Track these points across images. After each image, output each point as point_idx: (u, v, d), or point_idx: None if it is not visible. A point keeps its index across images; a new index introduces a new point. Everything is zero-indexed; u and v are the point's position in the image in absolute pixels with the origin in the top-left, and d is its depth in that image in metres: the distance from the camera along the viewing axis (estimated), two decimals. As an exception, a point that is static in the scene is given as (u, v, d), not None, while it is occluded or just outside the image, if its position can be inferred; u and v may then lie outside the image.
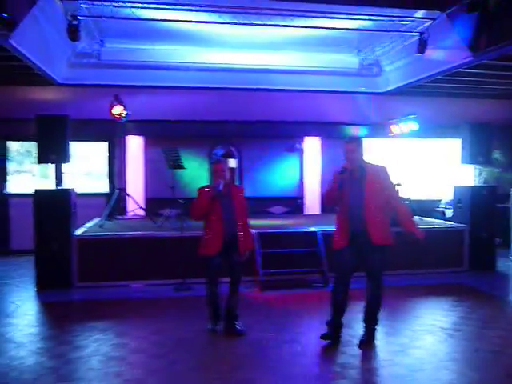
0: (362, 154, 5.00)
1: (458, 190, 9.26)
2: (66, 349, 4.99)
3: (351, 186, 4.87)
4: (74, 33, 7.07)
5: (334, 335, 5.06)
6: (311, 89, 10.81)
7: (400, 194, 9.78)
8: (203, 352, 4.92)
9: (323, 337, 5.04)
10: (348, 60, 10.53)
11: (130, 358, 4.75)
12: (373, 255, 4.90)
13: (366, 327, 5.11)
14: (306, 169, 11.83)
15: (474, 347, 5.01)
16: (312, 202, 11.71)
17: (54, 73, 8.92)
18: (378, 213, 4.89)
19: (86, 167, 11.77)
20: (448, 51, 8.32)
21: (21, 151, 11.52)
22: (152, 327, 5.71)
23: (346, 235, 4.88)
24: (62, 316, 6.31)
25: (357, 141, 5.12)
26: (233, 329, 5.38)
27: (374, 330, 5.10)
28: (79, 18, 7.17)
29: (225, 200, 5.29)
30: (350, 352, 4.89)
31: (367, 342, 5.02)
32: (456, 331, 5.48)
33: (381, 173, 4.96)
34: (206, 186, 5.41)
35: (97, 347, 5.02)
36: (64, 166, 10.24)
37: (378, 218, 4.89)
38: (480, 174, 12.01)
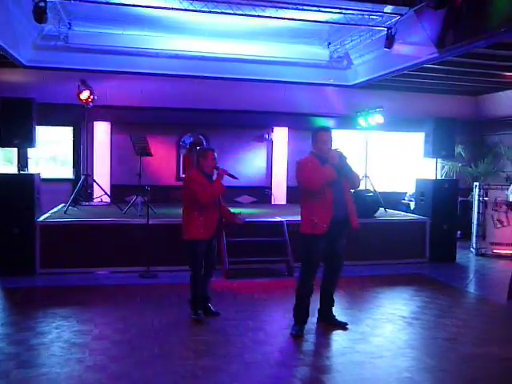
0: (332, 146, 5.10)
1: (421, 183, 9.48)
2: (28, 335, 4.94)
3: None
4: (40, 15, 6.89)
5: (303, 329, 5.13)
6: (281, 79, 10.86)
7: (365, 186, 10.01)
8: (167, 339, 4.94)
9: (296, 337, 5.02)
10: (318, 52, 10.59)
11: (93, 344, 4.73)
12: (341, 240, 5.13)
13: (326, 309, 5.33)
14: (274, 159, 11.90)
15: (432, 335, 5.17)
16: (279, 192, 11.80)
17: (19, 55, 8.71)
18: (352, 198, 5.12)
19: (51, 152, 11.59)
20: (415, 47, 8.48)
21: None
22: (116, 314, 5.70)
23: (327, 221, 4.89)
24: (23, 302, 6.22)
25: (330, 131, 5.17)
26: (208, 310, 5.57)
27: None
28: (46, -1, 7.00)
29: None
30: (312, 340, 5.00)
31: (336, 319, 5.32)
32: (415, 320, 5.64)
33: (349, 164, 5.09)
34: (196, 174, 5.40)
35: (59, 333, 4.99)
36: (29, 151, 10.05)
37: (353, 204, 5.12)
38: (443, 167, 12.30)
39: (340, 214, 4.94)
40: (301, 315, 5.15)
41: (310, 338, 5.01)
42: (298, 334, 5.04)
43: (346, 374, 4.23)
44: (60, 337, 4.90)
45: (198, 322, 5.36)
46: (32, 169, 10.02)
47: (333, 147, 5.01)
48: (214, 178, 5.43)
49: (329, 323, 5.30)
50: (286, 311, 5.91)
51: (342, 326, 5.26)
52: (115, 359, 4.39)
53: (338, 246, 5.12)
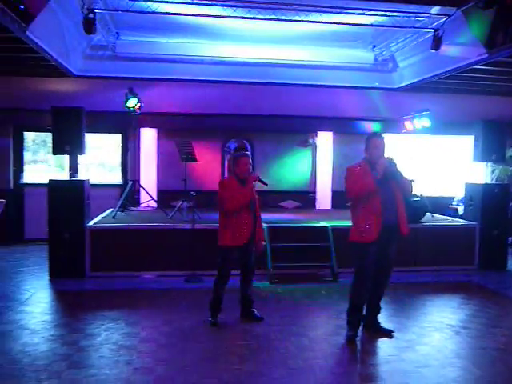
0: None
1: (470, 188, 9.22)
2: (78, 336, 5.11)
3: (379, 180, 4.88)
4: (89, 26, 7.14)
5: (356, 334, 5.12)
6: (325, 83, 10.79)
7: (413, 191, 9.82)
8: (212, 343, 5.00)
9: (349, 341, 5.03)
10: (363, 55, 10.49)
11: (140, 347, 4.85)
12: (392, 246, 5.09)
13: (372, 316, 5.25)
14: (319, 163, 11.84)
15: (481, 345, 5.03)
16: (323, 196, 11.73)
17: (69, 65, 9.02)
18: (403, 204, 5.08)
19: (100, 159, 11.93)
20: (463, 48, 8.27)
21: (37, 141, 11.69)
22: (162, 317, 5.80)
23: (378, 228, 4.87)
24: (74, 304, 6.44)
25: (382, 137, 5.14)
26: (252, 315, 5.64)
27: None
28: (95, 11, 7.23)
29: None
30: (356, 347, 4.95)
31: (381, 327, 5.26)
32: (463, 329, 5.50)
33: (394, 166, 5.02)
34: (229, 179, 5.49)
35: (108, 336, 5.13)
36: (79, 158, 10.39)
37: (405, 210, 5.08)
38: (493, 171, 11.92)
39: (390, 220, 4.91)
40: (354, 320, 5.12)
41: (354, 345, 4.97)
42: (349, 338, 5.03)
43: (391, 382, 4.17)
44: (109, 339, 5.04)
45: (214, 325, 5.43)
46: (82, 175, 10.35)
47: (385, 154, 4.97)
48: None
49: (374, 331, 5.24)
50: (330, 317, 5.92)
51: (388, 334, 5.19)
52: (162, 362, 4.47)
53: (389, 252, 5.06)
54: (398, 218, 4.96)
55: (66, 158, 8.35)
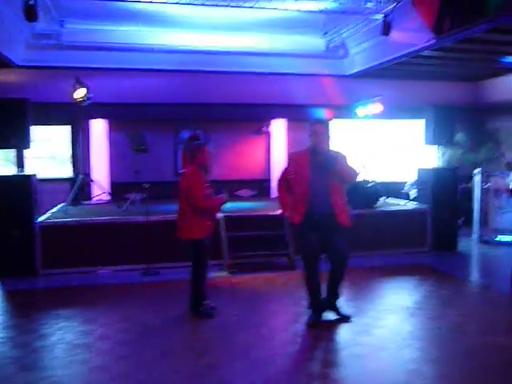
0: (328, 138, 5.06)
1: (421, 172, 9.43)
2: (30, 338, 4.92)
3: (314, 168, 4.94)
4: (31, 13, 6.82)
5: (319, 318, 5.16)
6: (278, 71, 10.78)
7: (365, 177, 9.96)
8: (170, 338, 4.91)
9: (310, 325, 5.07)
10: (314, 42, 10.52)
11: (96, 344, 4.72)
12: (336, 234, 5.01)
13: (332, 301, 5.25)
14: (273, 151, 11.84)
15: (436, 325, 5.14)
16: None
17: (11, 54, 8.64)
18: (342, 196, 5.11)
19: (49, 152, 11.52)
20: (412, 34, 8.40)
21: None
22: (119, 313, 5.67)
23: (300, 215, 5.00)
24: (26, 304, 6.19)
25: (325, 123, 5.18)
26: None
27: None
28: (36, -3, 6.93)
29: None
30: (314, 333, 4.96)
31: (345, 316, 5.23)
32: (418, 310, 5.62)
33: (341, 159, 5.04)
34: (196, 173, 5.35)
35: (62, 335, 4.96)
36: (26, 151, 10.02)
37: (342, 201, 5.11)
38: (443, 155, 12.22)
39: (324, 210, 4.96)
40: (313, 305, 5.17)
41: (313, 333, 4.98)
42: (311, 323, 5.08)
43: (350, 367, 4.21)
44: (63, 338, 4.88)
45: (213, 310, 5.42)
46: (30, 169, 9.96)
47: (327, 140, 4.99)
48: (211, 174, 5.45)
49: (333, 315, 5.24)
50: (288, 305, 5.93)
51: (346, 319, 5.20)
52: (119, 359, 4.36)
53: (335, 240, 4.99)
54: (333, 207, 4.98)
55: (13, 152, 8.03)
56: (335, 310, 5.28)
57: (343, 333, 4.97)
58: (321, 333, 5.00)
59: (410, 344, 4.64)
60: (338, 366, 4.29)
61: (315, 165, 4.96)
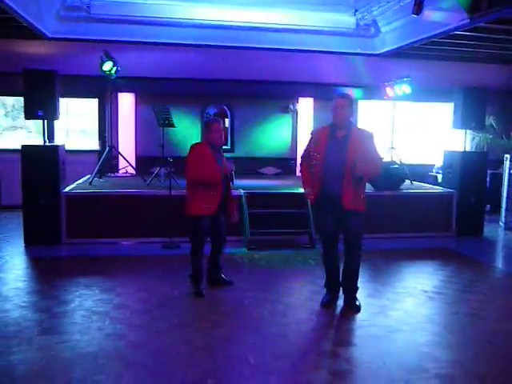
0: (350, 114, 4.94)
1: (449, 155, 9.24)
2: (51, 303, 5.06)
3: (332, 144, 4.82)
4: (61, -16, 6.86)
5: (334, 299, 5.15)
6: (306, 48, 10.59)
7: (391, 158, 9.82)
8: (186, 310, 5.00)
9: (324, 305, 5.07)
10: (344, 20, 10.26)
11: (113, 313, 4.81)
12: (351, 219, 4.85)
13: (347, 291, 5.12)
14: (299, 130, 11.75)
15: (454, 310, 5.09)
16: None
17: (42, 26, 8.71)
18: (353, 183, 4.81)
19: (81, 124, 11.70)
20: (444, 13, 8.16)
21: (16, 107, 11.38)
22: (137, 284, 5.80)
23: (314, 192, 4.95)
24: (49, 271, 6.37)
25: (349, 98, 4.97)
26: (220, 280, 5.59)
27: (355, 297, 5.10)
28: (67, -32, 6.95)
29: (219, 163, 5.26)
30: (330, 312, 4.98)
31: (354, 306, 5.04)
32: (437, 294, 5.56)
33: (366, 138, 4.87)
34: (201, 145, 5.31)
35: (81, 302, 5.09)
36: (57, 123, 10.19)
37: (356, 187, 4.83)
38: (473, 139, 11.96)
39: (334, 189, 4.79)
40: (328, 284, 5.17)
41: (329, 312, 4.99)
42: (324, 303, 5.08)
43: (363, 347, 4.20)
44: (82, 305, 5.01)
45: (199, 296, 5.30)
46: (61, 141, 10.15)
47: (347, 114, 4.85)
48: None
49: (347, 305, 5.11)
50: (305, 283, 5.95)
51: (355, 310, 5.00)
52: (134, 328, 4.46)
53: (348, 222, 4.84)
54: (342, 189, 4.75)
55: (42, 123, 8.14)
56: (349, 300, 5.09)
57: (359, 314, 4.95)
58: (336, 312, 5.00)
59: (424, 327, 4.61)
60: (351, 345, 4.29)
61: (333, 141, 4.82)
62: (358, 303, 5.05)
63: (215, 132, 5.24)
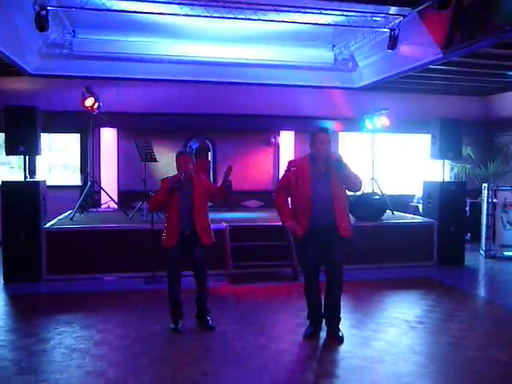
0: (330, 148, 5.00)
1: (428, 186, 9.39)
2: (30, 341, 4.97)
3: (316, 176, 4.85)
4: (42, 23, 6.95)
5: (316, 331, 5.12)
6: (286, 83, 10.86)
7: (372, 189, 9.95)
8: (167, 345, 4.94)
9: (307, 336, 5.05)
10: (323, 55, 10.57)
11: (94, 350, 4.74)
12: (334, 246, 4.92)
13: (330, 321, 5.10)
14: (281, 162, 11.86)
15: (436, 339, 5.11)
16: (286, 196, 11.75)
17: (24, 63, 8.81)
18: (344, 206, 4.99)
19: (63, 160, 11.70)
20: (419, 48, 8.44)
21: (-2, 143, 11.35)
22: (118, 320, 5.72)
23: (304, 225, 4.87)
24: (28, 309, 6.27)
25: (328, 132, 5.06)
26: (205, 323, 5.39)
27: (338, 328, 5.08)
28: (48, 8, 7.05)
29: (184, 192, 5.20)
30: (313, 344, 4.96)
31: (338, 337, 5.01)
32: (418, 324, 5.57)
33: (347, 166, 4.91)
34: (168, 178, 5.28)
35: (61, 340, 5.00)
36: (39, 159, 10.17)
37: (345, 211, 4.98)
38: (452, 169, 12.19)
39: (325, 220, 4.83)
40: (310, 315, 5.16)
41: (312, 343, 4.97)
42: (307, 335, 5.05)
43: (346, 379, 4.19)
44: (62, 343, 4.92)
45: (175, 331, 5.20)
46: (43, 176, 10.13)
47: (328, 148, 4.85)
48: (180, 182, 5.19)
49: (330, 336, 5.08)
50: (288, 316, 5.93)
51: (339, 341, 4.98)
52: (114, 365, 4.39)
53: (332, 252, 4.91)
54: (336, 220, 4.83)
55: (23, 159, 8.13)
56: (334, 330, 5.06)
57: (342, 345, 4.93)
58: (318, 344, 4.99)
59: (406, 357, 4.61)
60: (334, 377, 4.26)
61: (317, 173, 4.84)
62: (341, 334, 5.03)
63: (183, 164, 5.21)
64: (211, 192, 5.36)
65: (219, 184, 5.37)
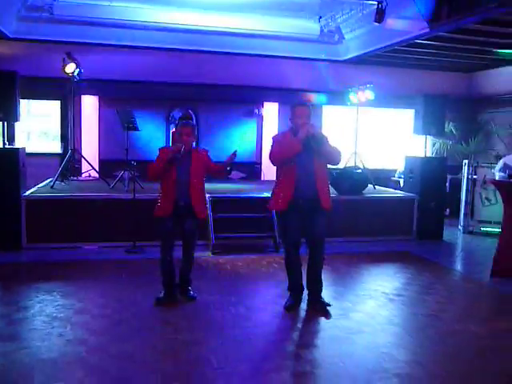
0: (310, 121, 5.00)
1: (410, 161, 9.46)
2: (11, 309, 4.95)
3: (303, 151, 4.84)
4: (21, -16, 6.75)
5: (297, 302, 5.17)
6: (272, 54, 10.74)
7: (355, 163, 9.98)
8: (149, 314, 4.96)
9: (287, 308, 5.10)
10: (309, 26, 10.45)
11: (74, 318, 4.74)
12: (318, 220, 4.99)
13: (313, 292, 5.19)
14: (264, 134, 11.82)
15: (413, 312, 5.22)
16: (269, 167, 11.72)
17: (2, 26, 8.56)
18: (326, 180, 5.08)
19: (43, 127, 11.50)
20: (406, 21, 8.39)
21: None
22: (99, 288, 5.74)
23: (286, 198, 4.92)
24: (8, 277, 6.20)
25: (310, 106, 5.13)
26: (185, 293, 5.40)
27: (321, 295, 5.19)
28: (28, -32, 6.84)
29: (183, 163, 5.15)
30: (293, 315, 5.02)
31: (322, 305, 5.11)
32: (397, 296, 5.67)
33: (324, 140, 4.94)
34: (167, 147, 5.26)
35: (41, 308, 4.99)
36: (18, 126, 9.97)
37: (326, 185, 5.08)
38: (433, 145, 12.27)
39: (308, 192, 4.89)
40: (290, 287, 5.21)
41: (291, 315, 5.03)
42: (287, 306, 5.10)
43: (324, 349, 4.27)
44: (42, 311, 4.91)
45: (164, 300, 5.21)
46: (22, 143, 9.94)
47: (309, 122, 4.89)
48: (181, 153, 5.09)
49: (314, 307, 5.14)
50: (269, 287, 5.99)
51: (325, 312, 5.05)
52: (95, 333, 4.40)
53: (315, 224, 4.98)
54: (318, 192, 4.91)
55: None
56: (317, 300, 5.16)
57: (320, 316, 5.00)
58: (299, 315, 5.06)
59: (384, 329, 4.70)
60: (313, 347, 4.33)
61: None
62: (326, 301, 5.14)
63: (186, 135, 5.17)
64: (210, 169, 5.36)
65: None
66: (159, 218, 5.22)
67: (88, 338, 4.29)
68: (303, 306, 5.19)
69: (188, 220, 5.25)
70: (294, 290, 5.21)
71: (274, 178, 5.27)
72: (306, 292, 5.23)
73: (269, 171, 11.62)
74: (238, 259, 7.19)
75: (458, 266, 7.57)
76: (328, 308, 5.09)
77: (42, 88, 10.15)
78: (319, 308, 5.10)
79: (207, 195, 7.83)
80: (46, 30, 9.28)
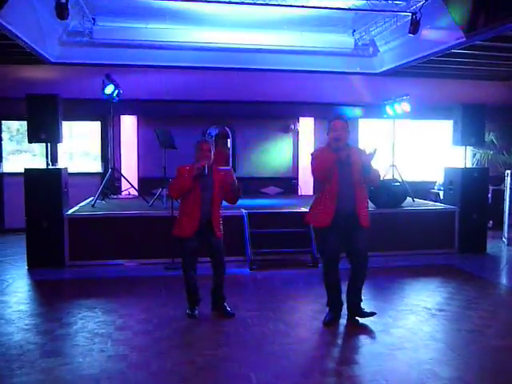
0: (348, 135, 5.01)
1: (449, 172, 9.26)
2: (53, 326, 5.07)
3: (339, 165, 4.86)
4: (62, 11, 7.00)
5: (336, 318, 5.14)
6: (306, 69, 10.78)
7: (393, 176, 9.86)
8: (188, 330, 4.99)
9: (326, 324, 5.06)
10: (343, 40, 10.46)
11: (115, 334, 4.81)
12: (360, 235, 4.98)
13: (353, 307, 5.15)
14: (301, 149, 11.82)
15: (456, 327, 5.08)
16: (306, 182, 11.72)
17: (45, 51, 8.89)
18: (365, 196, 5.06)
19: (81, 147, 11.85)
20: (441, 32, 8.28)
21: (21, 131, 11.54)
22: (140, 305, 5.80)
23: (328, 215, 4.89)
24: (51, 294, 6.39)
25: (347, 119, 5.12)
26: (223, 310, 5.38)
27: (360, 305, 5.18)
28: (68, -5, 7.10)
29: (205, 182, 5.19)
30: (332, 331, 4.96)
31: (365, 313, 5.13)
32: (439, 311, 5.54)
33: (360, 154, 4.95)
34: (186, 165, 5.25)
35: (83, 324, 5.09)
36: (61, 146, 10.31)
37: (365, 201, 5.05)
38: (474, 155, 12.01)
39: (347, 208, 4.88)
40: (329, 302, 5.17)
41: (330, 330, 4.98)
42: (327, 322, 5.07)
43: (366, 365, 4.19)
44: (84, 327, 5.01)
45: (191, 317, 5.25)
46: (65, 163, 10.26)
47: (347, 137, 4.91)
48: (206, 170, 5.13)
49: (357, 317, 5.15)
50: (307, 302, 5.94)
51: (371, 315, 5.14)
52: (136, 349, 4.45)
53: (356, 240, 4.97)
54: (357, 209, 4.91)
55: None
56: (359, 312, 5.16)
57: (362, 332, 4.94)
58: (338, 331, 5.00)
59: (427, 345, 4.59)
60: (353, 363, 4.26)
61: (339, 162, 4.85)
62: (366, 311, 5.15)
63: (206, 152, 5.21)
64: (226, 188, 5.31)
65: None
66: (182, 237, 5.22)
67: (129, 354, 4.35)
68: (342, 321, 5.14)
69: (212, 237, 5.26)
70: (333, 305, 5.16)
71: (311, 193, 5.27)
72: (345, 307, 5.17)
73: (306, 186, 11.63)
74: (276, 275, 7.17)
75: (503, 280, 7.33)
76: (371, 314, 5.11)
77: (82, 109, 10.47)
78: (362, 314, 5.12)
79: (244, 211, 7.93)
80: (86, 53, 9.60)
